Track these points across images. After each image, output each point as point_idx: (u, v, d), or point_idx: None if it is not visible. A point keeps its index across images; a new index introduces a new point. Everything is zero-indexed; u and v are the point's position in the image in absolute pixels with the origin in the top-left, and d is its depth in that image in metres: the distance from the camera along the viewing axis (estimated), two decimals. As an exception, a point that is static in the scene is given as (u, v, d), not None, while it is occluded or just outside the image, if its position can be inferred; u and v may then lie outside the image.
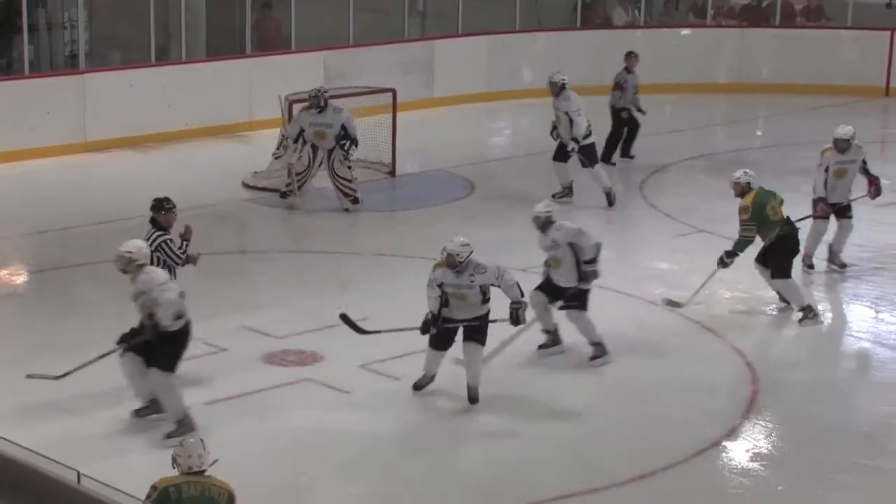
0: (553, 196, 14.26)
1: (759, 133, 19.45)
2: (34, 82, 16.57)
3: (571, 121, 14.37)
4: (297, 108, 15.02)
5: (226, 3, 18.91)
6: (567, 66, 19.82)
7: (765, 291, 12.29)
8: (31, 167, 15.78)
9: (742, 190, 11.40)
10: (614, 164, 16.35)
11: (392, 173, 15.89)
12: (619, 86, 16.54)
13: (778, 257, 11.45)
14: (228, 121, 17.49)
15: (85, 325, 11.15)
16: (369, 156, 15.81)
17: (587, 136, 14.50)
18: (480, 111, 19.28)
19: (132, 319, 9.48)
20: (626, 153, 16.71)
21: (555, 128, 14.66)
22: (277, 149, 15.33)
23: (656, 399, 10.13)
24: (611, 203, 14.66)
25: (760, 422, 9.78)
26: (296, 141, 14.29)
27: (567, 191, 14.85)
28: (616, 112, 16.55)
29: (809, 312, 11.40)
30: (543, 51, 20.17)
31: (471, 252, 9.67)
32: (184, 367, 9.65)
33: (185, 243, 10.21)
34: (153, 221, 10.20)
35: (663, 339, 11.27)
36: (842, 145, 12.47)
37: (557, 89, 14.56)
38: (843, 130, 12.47)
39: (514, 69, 19.82)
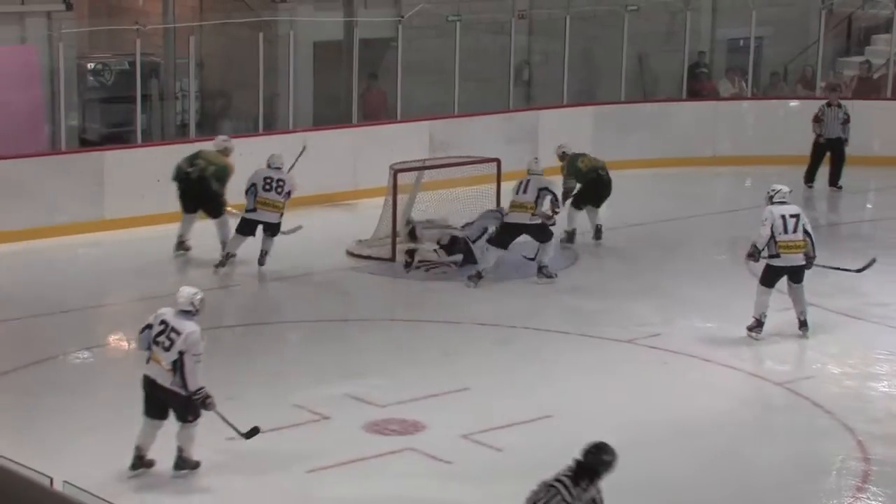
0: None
1: (868, 206, 19.14)
2: (146, 151, 16.89)
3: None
4: (401, 177, 15.11)
5: (333, 74, 19.17)
6: (672, 136, 19.95)
7: (875, 368, 12.05)
8: (142, 235, 16.02)
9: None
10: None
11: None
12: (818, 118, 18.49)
13: None
14: (334, 189, 17.64)
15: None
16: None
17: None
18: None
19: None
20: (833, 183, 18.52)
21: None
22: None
23: (761, 475, 9.92)
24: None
25: (872, 501, 9.53)
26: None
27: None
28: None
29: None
30: (648, 121, 20.12)
31: None
32: (287, 434, 9.66)
33: None
34: None
35: (771, 414, 11.07)
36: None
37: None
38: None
39: (619, 139, 19.77)
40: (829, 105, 18.71)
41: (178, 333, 9.38)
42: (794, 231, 12.54)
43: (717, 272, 14.44)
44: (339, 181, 17.68)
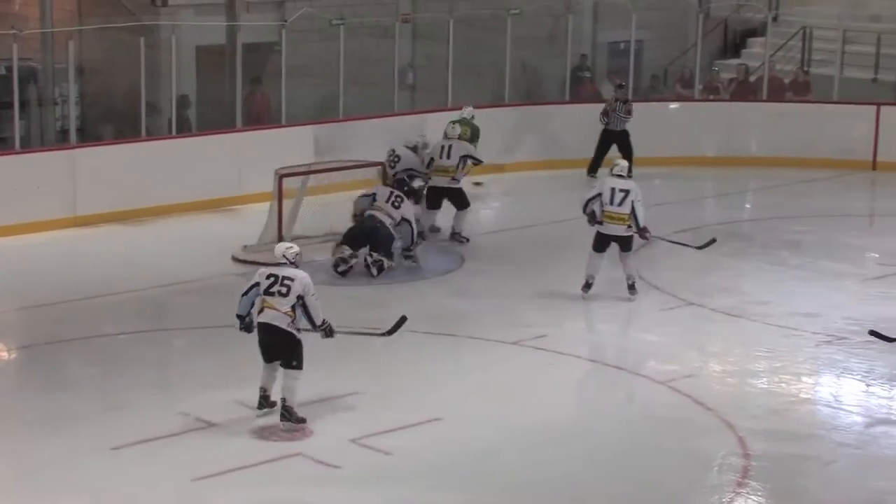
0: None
1: (747, 206, 19.53)
2: (25, 158, 16.63)
3: None
4: (287, 182, 15.08)
5: (216, 79, 19.04)
6: (557, 138, 20.17)
7: (754, 364, 12.32)
8: (21, 242, 15.77)
9: None
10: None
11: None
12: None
13: None
14: (219, 195, 17.53)
15: (71, 401, 11.09)
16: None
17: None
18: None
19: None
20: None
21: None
22: None
23: (647, 472, 10.08)
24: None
25: (752, 496, 9.73)
26: None
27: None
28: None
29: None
30: (533, 124, 20.31)
31: None
32: (173, 442, 9.58)
33: None
34: None
35: (654, 412, 11.25)
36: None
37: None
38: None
39: (504, 142, 19.92)
40: (616, 100, 19.43)
41: (292, 279, 10.49)
42: (620, 205, 13.72)
43: (602, 273, 14.59)
44: (223, 186, 17.57)
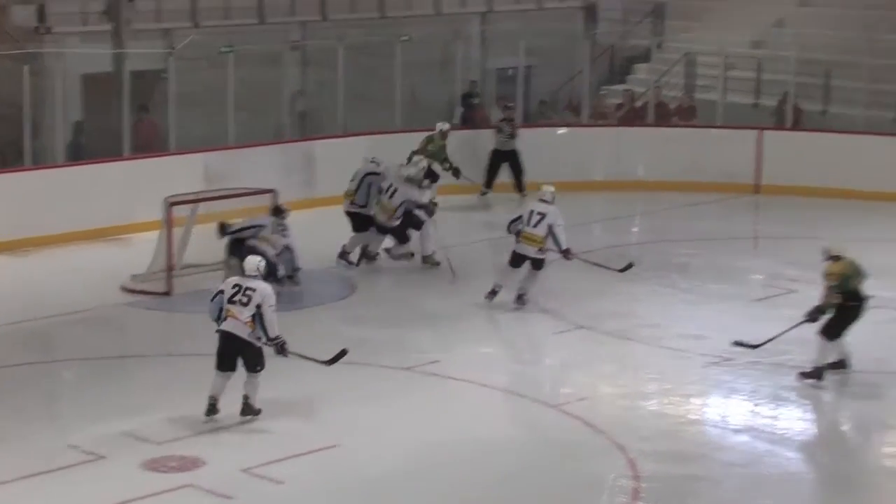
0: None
1: (635, 230, 19.78)
2: None
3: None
4: (176, 210, 14.96)
5: (103, 107, 18.82)
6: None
7: (644, 386, 12.47)
8: None
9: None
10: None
11: (273, 274, 15.84)
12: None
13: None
14: (106, 224, 17.31)
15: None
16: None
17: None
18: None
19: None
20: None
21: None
22: None
23: (539, 495, 10.14)
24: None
25: (643, 517, 9.86)
26: None
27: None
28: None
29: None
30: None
31: None
32: (61, 476, 9.42)
33: None
34: None
35: (546, 435, 11.33)
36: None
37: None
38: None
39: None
40: (503, 120, 20.15)
41: (254, 290, 11.12)
42: (535, 227, 14.36)
43: (496, 298, 14.69)
44: (111, 215, 17.36)
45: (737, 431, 11.55)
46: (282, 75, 19.69)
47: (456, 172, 19.22)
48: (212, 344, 13.16)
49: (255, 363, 11.20)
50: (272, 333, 11.20)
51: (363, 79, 20.41)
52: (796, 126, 21.26)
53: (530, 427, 11.70)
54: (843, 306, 12.23)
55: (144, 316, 14.43)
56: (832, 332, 12.25)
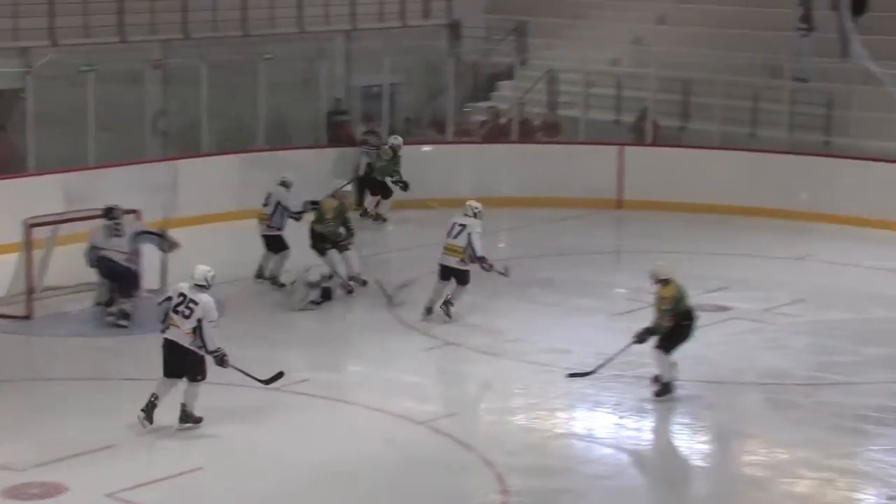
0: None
1: (501, 245, 19.91)
2: None
3: None
4: (36, 232, 14.71)
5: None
6: (310, 182, 20.19)
7: (512, 402, 12.59)
8: None
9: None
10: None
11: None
12: None
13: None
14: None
15: None
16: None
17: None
18: (229, 230, 19.09)
19: None
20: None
21: None
22: None
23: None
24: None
25: (511, 531, 9.94)
26: None
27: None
28: None
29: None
30: (292, 168, 20.28)
31: None
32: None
33: None
34: None
35: (414, 452, 11.38)
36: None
37: None
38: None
39: (260, 187, 19.82)
40: (369, 132, 20.64)
41: (196, 303, 11.25)
42: (455, 237, 14.79)
43: (359, 314, 14.72)
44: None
45: (602, 444, 11.72)
46: (143, 94, 19.46)
47: (405, 186, 19.68)
48: (74, 368, 13.05)
49: (195, 372, 11.37)
50: (211, 347, 11.37)
51: (226, 97, 20.30)
52: (655, 142, 21.67)
53: (398, 445, 11.72)
54: (677, 325, 12.41)
55: (4, 340, 14.14)
56: (668, 345, 12.49)
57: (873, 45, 21.62)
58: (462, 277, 14.82)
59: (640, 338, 12.48)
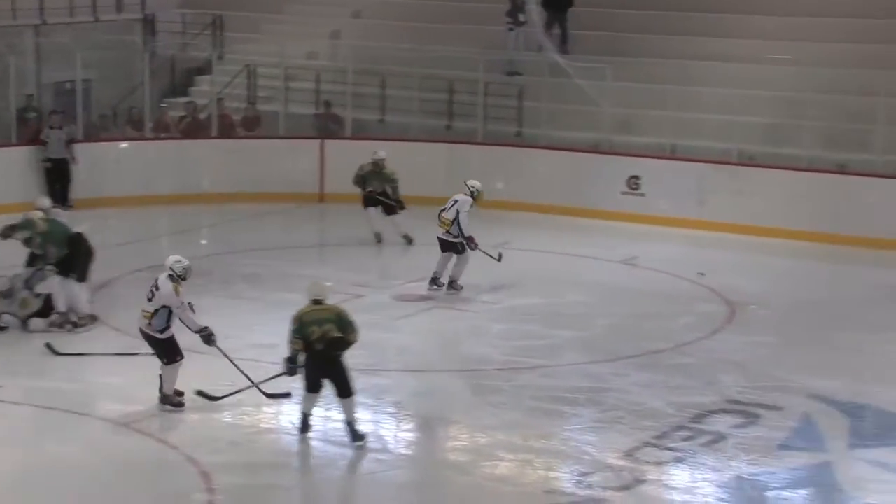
0: None
1: (203, 242, 19.78)
2: None
3: None
4: None
5: None
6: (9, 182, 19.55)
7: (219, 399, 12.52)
8: None
9: None
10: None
11: None
12: None
13: None
14: None
15: None
16: None
17: None
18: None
19: None
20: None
21: None
22: None
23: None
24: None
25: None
26: None
27: None
28: None
29: None
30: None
31: None
32: None
33: None
34: None
35: (118, 455, 11.19)
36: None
37: None
38: None
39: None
40: (51, 128, 20.27)
41: (158, 289, 11.80)
42: (446, 211, 15.79)
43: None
44: None
45: (309, 438, 11.79)
46: None
47: (400, 205, 18.96)
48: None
49: (161, 355, 11.92)
50: (194, 328, 11.94)
51: None
52: (354, 135, 21.87)
53: (102, 448, 11.49)
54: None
55: None
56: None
57: (578, 40, 22.38)
58: (455, 248, 15.69)
59: (290, 371, 11.78)
